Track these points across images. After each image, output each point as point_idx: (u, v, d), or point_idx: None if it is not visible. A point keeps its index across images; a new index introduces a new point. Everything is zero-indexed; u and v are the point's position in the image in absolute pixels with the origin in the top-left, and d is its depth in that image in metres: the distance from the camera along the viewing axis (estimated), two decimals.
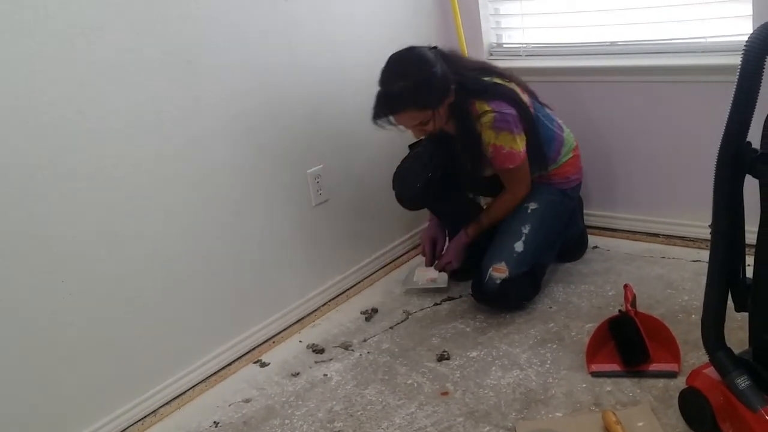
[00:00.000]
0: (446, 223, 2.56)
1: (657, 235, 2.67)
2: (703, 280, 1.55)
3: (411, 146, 2.47)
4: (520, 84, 2.28)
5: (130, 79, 1.91)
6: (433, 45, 2.19)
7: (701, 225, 2.44)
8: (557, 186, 2.38)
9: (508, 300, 2.30)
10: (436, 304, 2.46)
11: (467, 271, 2.46)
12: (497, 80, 2.23)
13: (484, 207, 2.58)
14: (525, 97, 2.25)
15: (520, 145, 2.19)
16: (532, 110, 2.26)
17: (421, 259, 2.64)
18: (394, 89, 2.09)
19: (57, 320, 1.83)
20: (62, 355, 1.86)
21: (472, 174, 2.28)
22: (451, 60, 2.20)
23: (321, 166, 2.49)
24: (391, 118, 2.16)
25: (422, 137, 2.39)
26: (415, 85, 2.07)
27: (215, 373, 2.22)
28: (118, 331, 1.97)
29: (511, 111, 2.15)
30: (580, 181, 2.46)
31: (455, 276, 2.52)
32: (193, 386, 2.17)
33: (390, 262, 2.82)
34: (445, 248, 2.54)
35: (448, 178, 2.35)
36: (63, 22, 1.75)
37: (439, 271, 2.48)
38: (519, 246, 2.28)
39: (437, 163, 2.34)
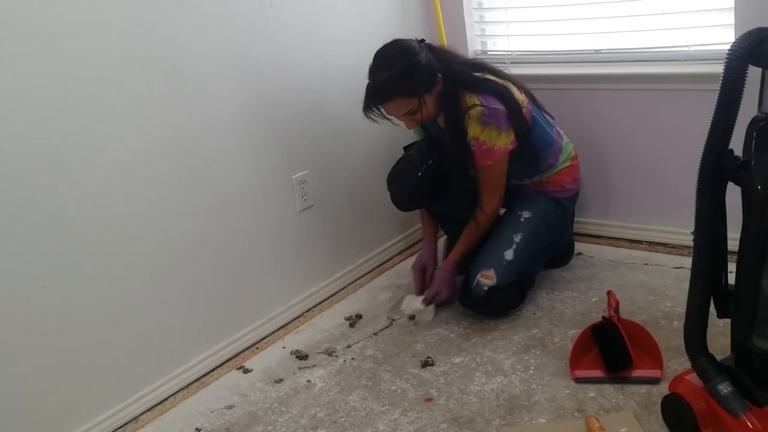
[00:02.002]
0: (443, 225, 2.55)
1: (640, 241, 2.69)
2: (686, 286, 1.56)
3: (406, 148, 2.48)
4: (516, 83, 2.27)
5: (114, 82, 1.90)
6: (420, 38, 2.21)
7: (684, 232, 2.46)
8: (551, 194, 2.38)
9: (494, 307, 2.30)
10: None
11: (464, 264, 2.40)
12: (489, 76, 2.23)
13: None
14: (521, 96, 2.24)
15: (503, 142, 2.18)
16: (528, 109, 2.25)
17: (411, 286, 2.57)
18: (380, 79, 2.12)
19: (35, 326, 1.82)
20: (41, 362, 1.84)
21: (458, 169, 2.26)
22: (440, 52, 2.23)
23: (306, 171, 2.49)
24: (382, 109, 2.19)
25: (417, 138, 2.43)
26: (400, 72, 2.10)
27: (198, 379, 2.21)
28: (99, 338, 1.96)
29: (500, 107, 2.15)
30: (576, 192, 2.46)
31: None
32: (175, 393, 2.15)
33: (374, 268, 2.81)
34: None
35: (444, 178, 2.35)
36: (47, 24, 1.74)
37: (427, 304, 2.39)
38: (509, 254, 2.28)
39: (430, 163, 2.34)
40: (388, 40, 2.18)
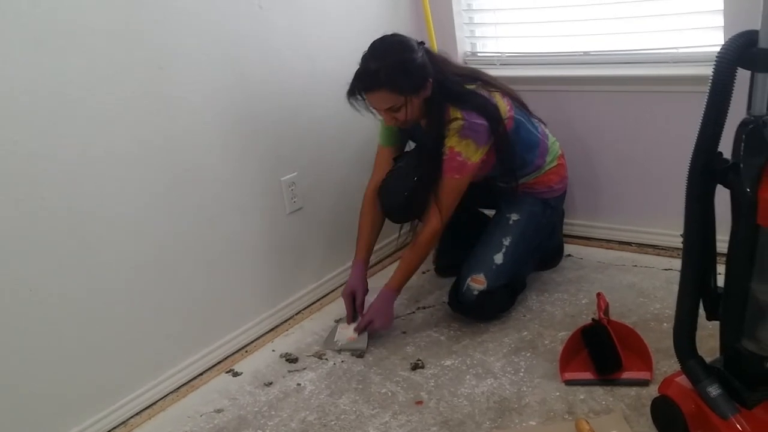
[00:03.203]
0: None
1: (629, 243, 2.69)
2: (675, 288, 1.56)
3: (395, 159, 2.45)
4: (504, 91, 2.26)
5: (100, 85, 1.88)
6: (420, 41, 2.18)
7: (673, 234, 2.47)
8: (540, 195, 2.38)
9: (484, 312, 2.29)
10: (410, 313, 2.45)
11: (454, 266, 2.40)
12: (481, 89, 2.20)
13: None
14: (503, 102, 2.22)
15: (477, 157, 2.15)
16: (511, 114, 2.23)
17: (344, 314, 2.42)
18: (372, 66, 2.07)
19: (22, 329, 1.80)
20: (27, 365, 1.83)
21: (429, 178, 2.20)
22: (437, 59, 2.20)
23: (295, 173, 2.48)
24: (366, 99, 2.14)
25: (381, 141, 2.41)
26: (392, 65, 2.06)
27: (187, 383, 2.20)
28: (87, 341, 1.94)
29: (481, 122, 2.13)
30: (564, 191, 2.46)
31: (442, 271, 2.48)
32: (164, 396, 2.14)
33: None
34: (366, 303, 2.35)
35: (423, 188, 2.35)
36: (33, 25, 1.73)
37: (359, 332, 2.27)
38: (499, 258, 2.27)
39: (420, 173, 2.30)
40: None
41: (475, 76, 2.27)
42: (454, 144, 2.14)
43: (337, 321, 2.43)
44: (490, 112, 2.16)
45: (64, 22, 1.79)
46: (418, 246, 2.25)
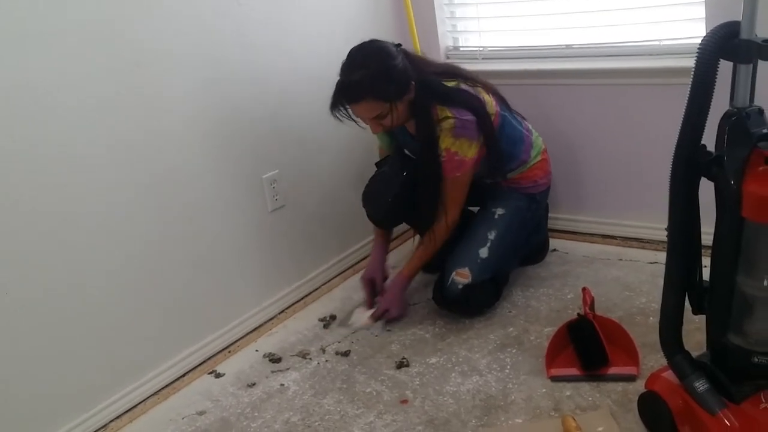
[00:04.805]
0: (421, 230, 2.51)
1: (614, 237, 2.68)
2: (661, 282, 1.55)
3: (377, 164, 2.45)
4: (487, 87, 2.26)
5: (76, 84, 1.85)
6: (397, 42, 2.18)
7: (658, 227, 2.45)
8: (525, 191, 2.37)
9: (470, 306, 2.28)
10: None
11: (439, 262, 2.37)
12: (462, 84, 2.21)
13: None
14: (490, 99, 2.23)
15: (473, 152, 2.16)
16: (497, 110, 2.23)
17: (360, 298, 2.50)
18: (354, 77, 2.07)
19: None
20: (4, 370, 1.79)
21: (430, 178, 2.23)
22: (415, 60, 2.20)
23: (277, 171, 2.45)
24: (349, 109, 2.14)
25: (381, 143, 2.40)
26: (374, 74, 2.06)
27: (168, 384, 2.17)
28: (66, 343, 1.91)
29: (471, 117, 2.13)
30: (548, 186, 2.45)
31: (427, 268, 2.48)
32: (145, 399, 2.11)
33: (348, 268, 2.78)
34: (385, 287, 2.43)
35: (417, 192, 2.33)
36: (7, 25, 1.69)
37: (376, 320, 2.32)
38: (484, 252, 2.26)
39: (404, 178, 2.31)
40: (359, 38, 2.14)
41: (454, 72, 2.28)
42: (449, 145, 2.14)
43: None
44: (477, 108, 2.16)
45: (40, 21, 1.75)
46: (432, 241, 2.28)
